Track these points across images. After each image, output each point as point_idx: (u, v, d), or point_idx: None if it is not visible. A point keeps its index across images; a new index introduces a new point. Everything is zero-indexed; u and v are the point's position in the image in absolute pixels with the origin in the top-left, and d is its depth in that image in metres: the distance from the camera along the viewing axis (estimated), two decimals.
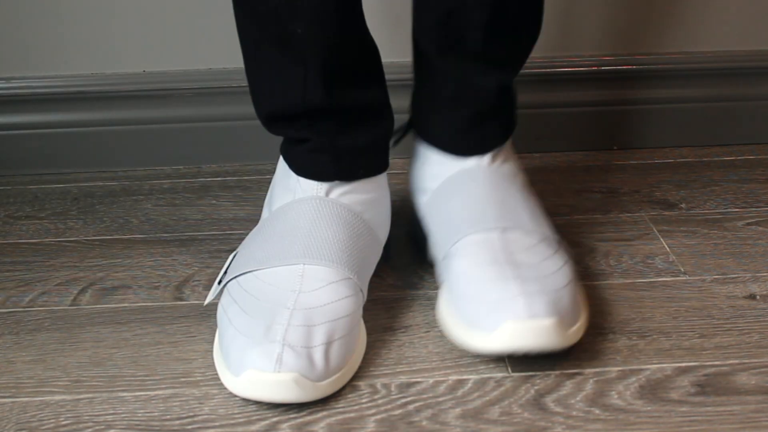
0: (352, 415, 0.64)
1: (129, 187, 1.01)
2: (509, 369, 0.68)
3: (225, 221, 0.93)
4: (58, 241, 0.90)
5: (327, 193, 0.74)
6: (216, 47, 1.02)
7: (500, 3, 0.71)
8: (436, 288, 0.79)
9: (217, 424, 0.64)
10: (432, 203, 0.78)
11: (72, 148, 1.04)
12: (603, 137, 1.08)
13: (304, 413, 0.64)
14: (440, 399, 0.66)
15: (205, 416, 0.64)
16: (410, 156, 0.84)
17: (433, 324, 0.74)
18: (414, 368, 0.69)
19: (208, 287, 0.80)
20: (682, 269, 0.82)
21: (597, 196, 0.97)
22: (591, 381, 0.67)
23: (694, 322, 0.74)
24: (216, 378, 0.68)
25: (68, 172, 1.05)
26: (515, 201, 0.76)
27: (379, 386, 0.67)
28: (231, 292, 0.71)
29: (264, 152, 1.05)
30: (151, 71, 1.03)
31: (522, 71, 0.79)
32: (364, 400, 0.66)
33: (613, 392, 0.66)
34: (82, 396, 0.67)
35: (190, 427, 0.63)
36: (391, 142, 0.80)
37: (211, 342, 0.72)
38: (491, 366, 0.69)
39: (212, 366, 0.69)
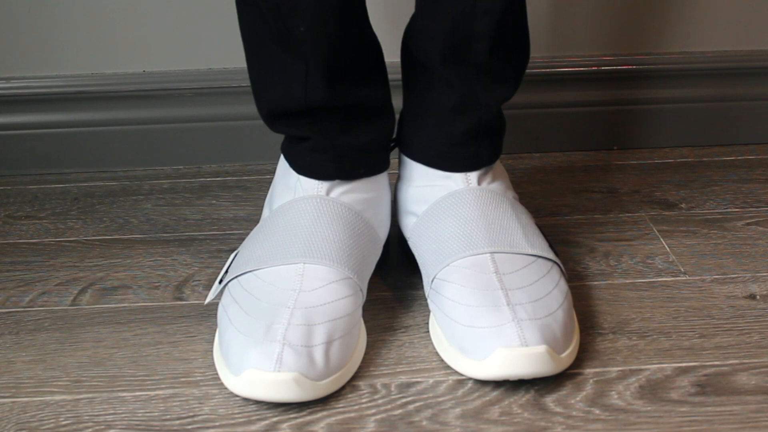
0: (352, 415, 0.64)
1: (129, 187, 1.01)
2: None
3: (225, 221, 0.93)
4: (58, 241, 0.90)
5: (327, 192, 0.74)
6: (216, 47, 1.02)
7: (501, 16, 0.71)
8: None
9: (217, 424, 0.64)
10: (419, 227, 0.76)
11: (72, 148, 1.04)
12: (603, 137, 1.09)
13: (304, 413, 0.64)
14: (440, 399, 0.66)
15: (205, 416, 0.64)
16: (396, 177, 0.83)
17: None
18: (414, 368, 0.69)
19: (208, 287, 0.80)
20: (682, 269, 0.82)
21: (597, 196, 0.97)
22: (591, 381, 0.67)
23: (694, 322, 0.74)
24: (216, 378, 0.68)
25: (68, 172, 1.05)
26: (506, 220, 0.74)
27: (379, 386, 0.67)
28: (231, 291, 0.71)
29: (264, 152, 1.05)
30: (151, 71, 1.03)
31: None
32: (364, 400, 0.66)
33: (613, 392, 0.66)
34: (82, 396, 0.67)
35: (190, 427, 0.63)
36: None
37: (211, 342, 0.72)
38: None
39: (212, 366, 0.69)
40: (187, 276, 0.83)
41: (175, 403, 0.66)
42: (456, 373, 0.68)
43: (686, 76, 1.06)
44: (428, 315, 0.75)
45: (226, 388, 0.66)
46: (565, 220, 0.92)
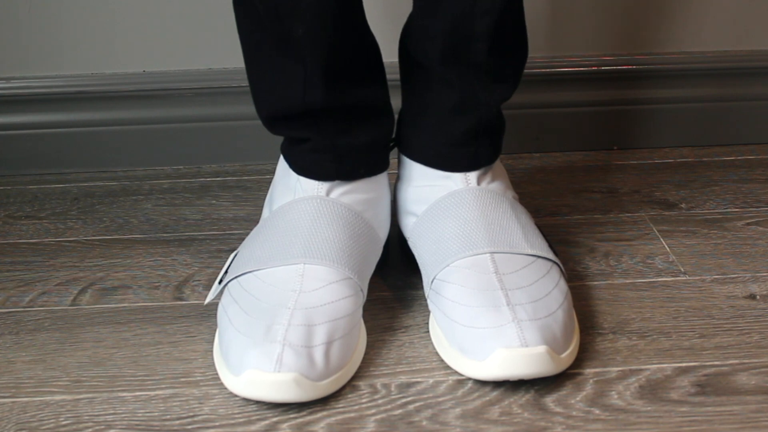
0: (352, 415, 0.64)
1: (129, 187, 1.01)
2: None
3: (225, 221, 0.93)
4: (58, 241, 0.90)
5: (327, 193, 0.74)
6: (216, 47, 1.02)
7: (500, 15, 0.71)
8: None
9: (217, 424, 0.64)
10: (419, 227, 0.76)
11: (72, 148, 1.04)
12: (603, 137, 1.09)
13: (304, 413, 0.64)
14: (440, 399, 0.66)
15: (205, 416, 0.64)
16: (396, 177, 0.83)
17: None
18: (414, 368, 0.69)
19: (208, 287, 0.80)
20: (682, 269, 0.82)
21: (597, 196, 0.97)
22: (591, 381, 0.67)
23: (694, 322, 0.74)
24: (216, 378, 0.68)
25: (68, 172, 1.05)
26: (505, 221, 0.74)
27: (379, 386, 0.67)
28: (231, 291, 0.71)
29: (264, 152, 1.05)
30: (151, 71, 1.03)
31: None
32: (364, 400, 0.66)
33: (613, 392, 0.66)
34: (82, 396, 0.67)
35: (190, 427, 0.63)
36: None
37: (211, 342, 0.72)
38: None
39: (212, 366, 0.69)
40: (187, 276, 0.83)
41: (175, 403, 0.66)
42: (456, 373, 0.68)
43: (686, 76, 1.06)
44: (428, 315, 0.75)
45: (226, 388, 0.66)
46: (565, 220, 0.92)
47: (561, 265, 0.74)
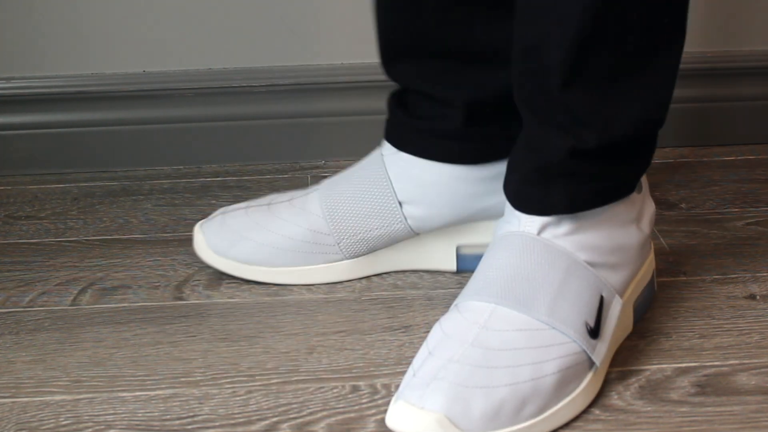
0: (352, 415, 0.64)
1: (129, 187, 1.01)
2: None
3: None
4: (58, 241, 0.90)
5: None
6: (216, 47, 1.02)
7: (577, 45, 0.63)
8: (436, 288, 0.80)
9: (217, 424, 0.63)
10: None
11: (72, 148, 1.04)
12: None
13: (304, 413, 0.64)
14: None
15: (205, 416, 0.64)
16: None
17: (433, 324, 0.74)
18: None
19: (208, 287, 0.80)
20: (682, 269, 0.82)
21: None
22: None
23: (694, 322, 0.74)
24: (216, 378, 0.68)
25: (68, 172, 1.05)
26: (544, 279, 0.65)
27: (379, 386, 0.67)
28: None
29: (264, 152, 1.05)
30: (151, 71, 1.03)
31: None
32: (364, 400, 0.66)
33: (613, 392, 0.66)
34: (82, 396, 0.67)
35: (190, 427, 0.63)
36: None
37: (211, 342, 0.72)
38: None
39: (212, 366, 0.69)
40: (187, 276, 0.83)
41: (175, 403, 0.66)
42: None
43: (686, 76, 1.06)
44: (428, 315, 0.75)
45: (226, 388, 0.66)
46: None
47: (590, 353, 0.64)
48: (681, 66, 1.00)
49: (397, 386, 0.67)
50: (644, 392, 0.66)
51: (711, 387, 0.66)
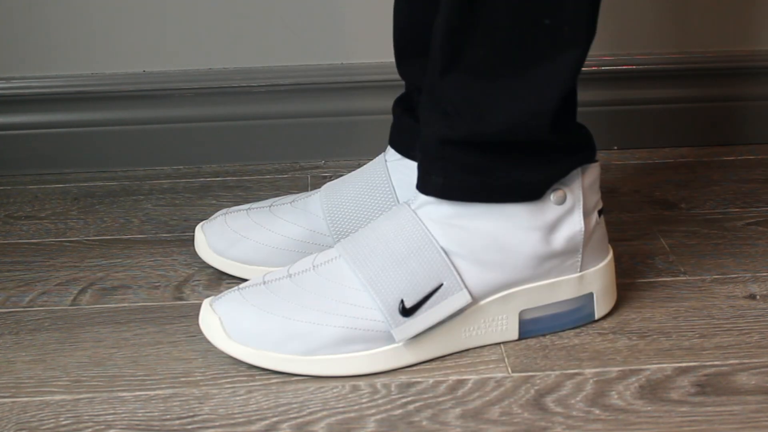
0: (352, 415, 0.64)
1: (129, 187, 1.01)
2: (509, 369, 0.68)
3: None
4: (59, 241, 0.90)
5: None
6: (216, 47, 1.02)
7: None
8: None
9: (217, 424, 0.64)
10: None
11: (72, 148, 1.04)
12: (603, 137, 1.08)
13: (304, 413, 0.64)
14: (440, 399, 0.66)
15: (205, 416, 0.64)
16: None
17: None
18: (414, 368, 0.69)
19: (208, 287, 0.80)
20: (682, 269, 0.82)
21: None
22: (591, 381, 0.67)
23: (694, 322, 0.74)
24: (216, 378, 0.68)
25: (68, 172, 1.05)
26: (387, 249, 0.69)
27: (379, 386, 0.67)
28: None
29: (264, 152, 1.05)
30: (151, 71, 1.03)
31: None
32: (364, 400, 0.66)
33: (613, 392, 0.66)
34: (82, 396, 0.67)
35: (190, 427, 0.63)
36: None
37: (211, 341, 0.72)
38: (491, 366, 0.69)
39: (212, 366, 0.69)
40: (187, 276, 0.83)
41: (175, 403, 0.66)
42: (456, 373, 0.68)
43: (686, 76, 1.06)
44: None
45: (226, 388, 0.66)
46: None
47: (390, 326, 0.67)
48: (682, 66, 1.00)
49: (397, 386, 0.67)
50: (644, 392, 0.66)
51: (711, 387, 0.66)
